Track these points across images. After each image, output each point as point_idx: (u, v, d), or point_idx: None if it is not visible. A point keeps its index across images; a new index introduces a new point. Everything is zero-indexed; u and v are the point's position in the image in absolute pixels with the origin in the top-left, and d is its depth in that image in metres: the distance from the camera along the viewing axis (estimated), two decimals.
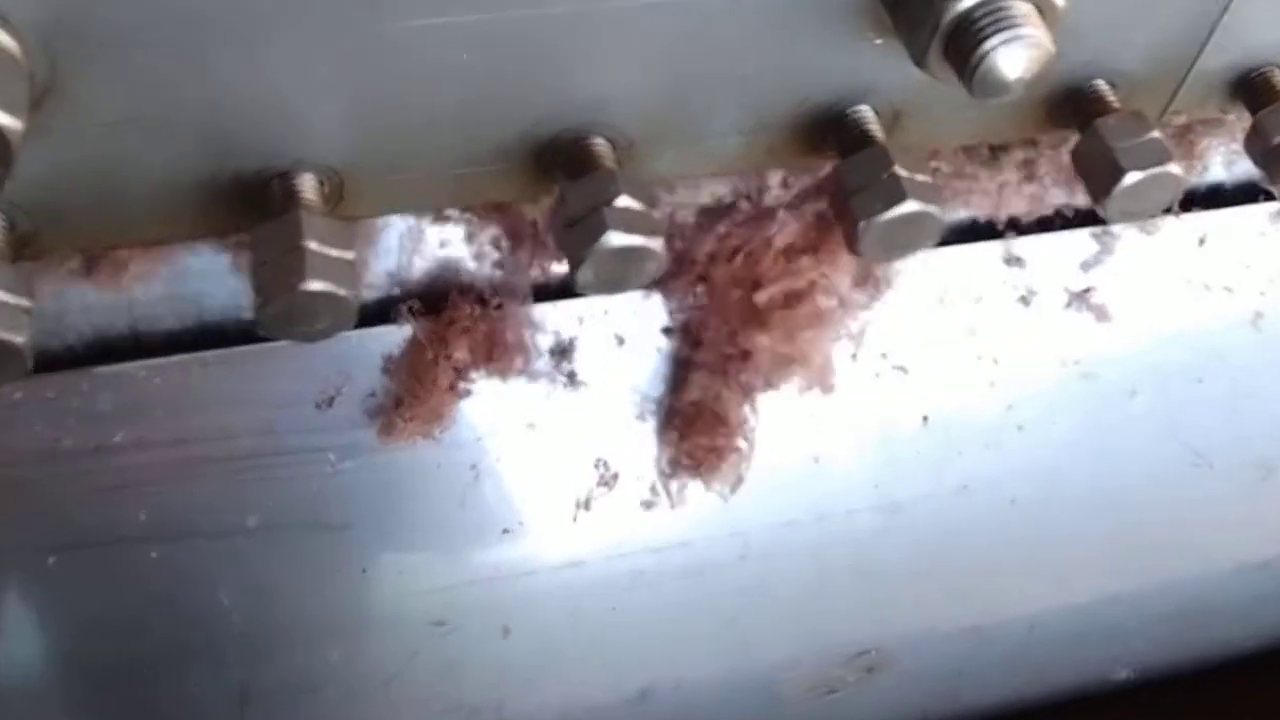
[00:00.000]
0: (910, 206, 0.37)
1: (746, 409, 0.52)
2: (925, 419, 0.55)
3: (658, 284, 0.49)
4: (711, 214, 0.47)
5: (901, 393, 0.54)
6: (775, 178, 0.47)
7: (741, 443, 0.53)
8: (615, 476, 0.53)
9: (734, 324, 0.50)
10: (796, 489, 0.55)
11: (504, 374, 0.48)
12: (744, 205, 0.47)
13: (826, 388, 0.52)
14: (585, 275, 0.36)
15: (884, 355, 0.53)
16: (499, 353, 0.48)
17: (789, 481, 0.54)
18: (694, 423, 0.52)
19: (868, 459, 0.55)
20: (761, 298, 0.49)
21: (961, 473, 0.56)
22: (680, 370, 0.51)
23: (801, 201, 0.47)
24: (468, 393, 0.48)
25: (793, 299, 0.49)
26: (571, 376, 0.50)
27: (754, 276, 0.49)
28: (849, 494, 0.56)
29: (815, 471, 0.54)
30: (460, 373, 0.48)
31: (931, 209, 0.38)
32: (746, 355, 0.50)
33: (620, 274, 0.36)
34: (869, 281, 0.52)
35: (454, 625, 0.52)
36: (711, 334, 0.50)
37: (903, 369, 0.54)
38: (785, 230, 0.47)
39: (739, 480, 0.53)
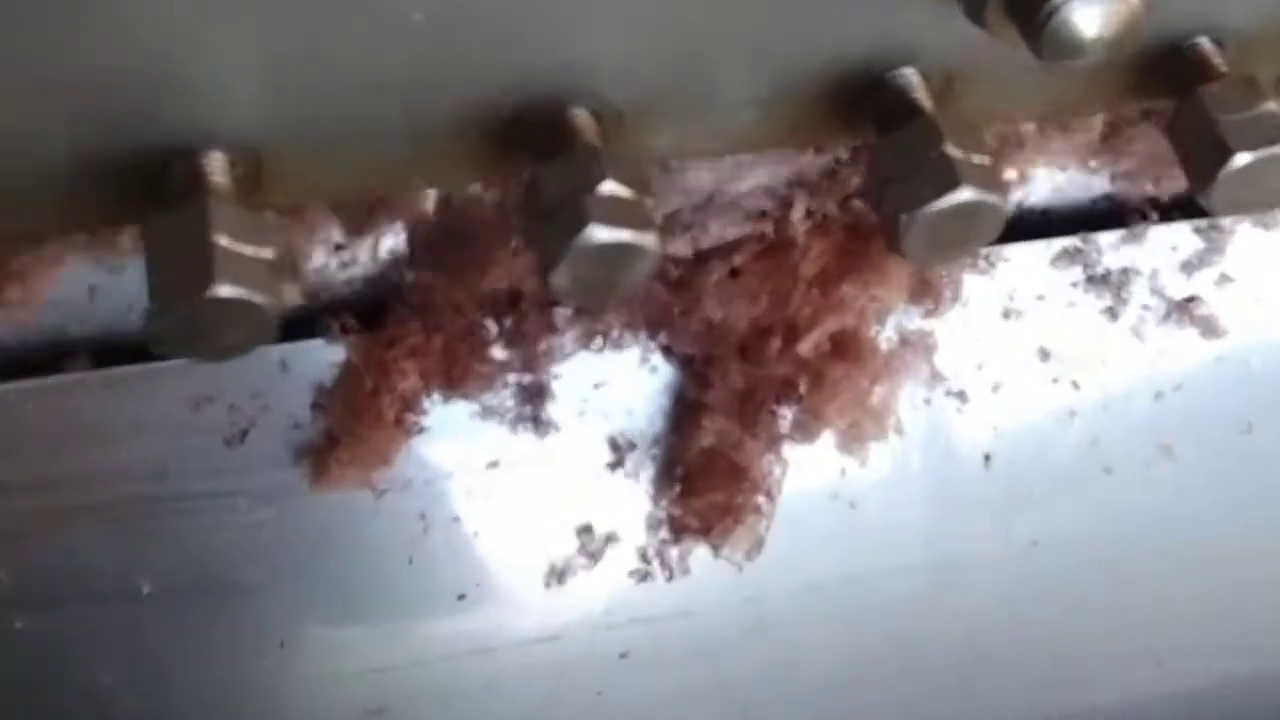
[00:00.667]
0: (965, 194, 0.38)
1: (771, 459, 0.53)
2: (987, 458, 0.56)
3: (654, 322, 0.50)
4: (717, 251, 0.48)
5: (958, 425, 0.55)
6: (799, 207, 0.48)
7: (763, 500, 0.53)
8: (600, 537, 0.53)
9: (766, 383, 0.51)
10: (825, 544, 0.55)
11: (466, 400, 0.49)
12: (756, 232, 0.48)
13: (881, 437, 0.53)
14: (560, 279, 0.36)
15: (937, 379, 0.54)
16: (457, 378, 0.48)
17: (815, 534, 0.55)
18: (704, 475, 0.53)
19: (915, 507, 0.56)
20: (805, 349, 0.50)
21: (1031, 525, 0.57)
22: (686, 411, 0.52)
23: (824, 215, 0.48)
24: (418, 428, 0.49)
25: (843, 343, 0.50)
26: (547, 409, 0.51)
27: (785, 320, 0.50)
28: (890, 550, 0.56)
29: (849, 522, 0.55)
30: (409, 404, 0.48)
31: (992, 198, 0.38)
32: (779, 406, 0.51)
33: (604, 277, 0.36)
34: (928, 293, 0.53)
35: (397, 714, 0.53)
36: (731, 378, 0.51)
37: (960, 396, 0.55)
38: (811, 255, 0.48)
39: (758, 545, 0.54)
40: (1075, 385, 0.56)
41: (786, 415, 0.52)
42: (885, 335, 0.52)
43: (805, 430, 0.53)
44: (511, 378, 0.50)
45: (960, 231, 0.39)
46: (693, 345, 0.51)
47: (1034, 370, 0.55)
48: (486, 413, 0.50)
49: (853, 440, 0.53)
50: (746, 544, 0.54)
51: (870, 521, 0.55)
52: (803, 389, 0.52)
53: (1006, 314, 0.54)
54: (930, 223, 0.38)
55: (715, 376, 0.51)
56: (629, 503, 0.53)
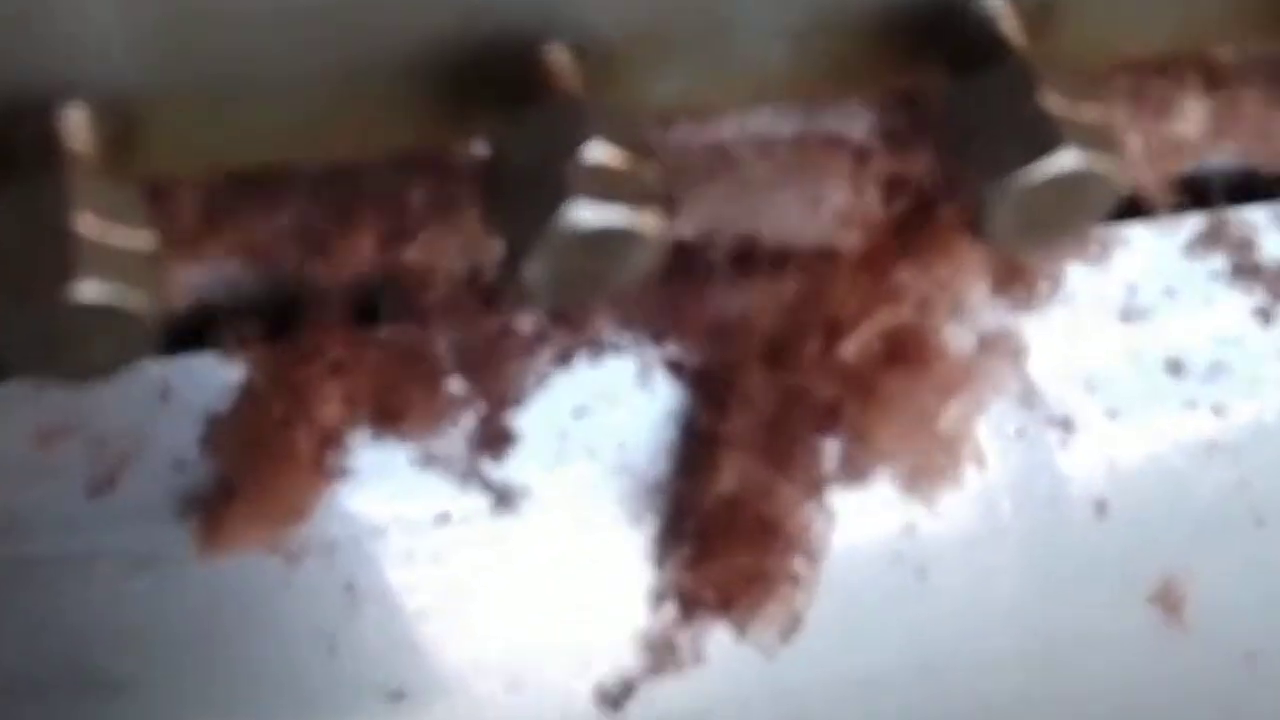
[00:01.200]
0: (1069, 159, 0.38)
1: (811, 509, 0.53)
2: (1101, 506, 0.56)
3: (653, 324, 0.51)
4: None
5: (1062, 462, 0.55)
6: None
7: (801, 564, 0.53)
8: (584, 616, 0.53)
9: (802, 405, 0.51)
10: (884, 622, 0.55)
11: (404, 440, 0.49)
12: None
13: (954, 474, 0.53)
14: (533, 272, 0.36)
15: (1032, 400, 0.55)
16: (397, 407, 0.49)
17: (872, 610, 0.55)
18: (723, 532, 0.53)
19: (1007, 572, 0.56)
20: (849, 349, 0.50)
21: (1161, 596, 0.57)
22: (699, 445, 0.53)
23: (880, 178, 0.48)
24: (343, 471, 0.49)
25: (901, 344, 0.50)
26: (514, 444, 0.51)
27: (824, 316, 0.50)
28: (972, 631, 0.56)
29: (917, 593, 0.55)
30: (330, 438, 0.49)
31: (1103, 163, 0.38)
32: (821, 436, 0.52)
33: (590, 272, 0.37)
34: (1017, 282, 0.53)
35: None
36: (756, 399, 0.52)
37: (1064, 424, 0.55)
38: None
39: (795, 624, 0.54)
40: (1217, 411, 0.56)
41: (831, 451, 0.53)
42: (959, 337, 0.53)
43: (855, 467, 0.53)
44: (467, 413, 0.50)
45: (1063, 208, 0.39)
46: (705, 353, 0.52)
47: (1162, 390, 0.55)
48: (429, 460, 0.50)
49: (917, 478, 0.53)
50: (780, 623, 0.54)
51: (945, 593, 0.55)
52: (850, 409, 0.52)
53: (1125, 315, 0.55)
54: (1021, 197, 0.38)
55: (735, 398, 0.52)
56: (623, 569, 0.53)
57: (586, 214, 0.36)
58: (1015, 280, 0.53)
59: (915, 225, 0.49)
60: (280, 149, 0.41)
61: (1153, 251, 0.54)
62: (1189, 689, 0.59)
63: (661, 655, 0.55)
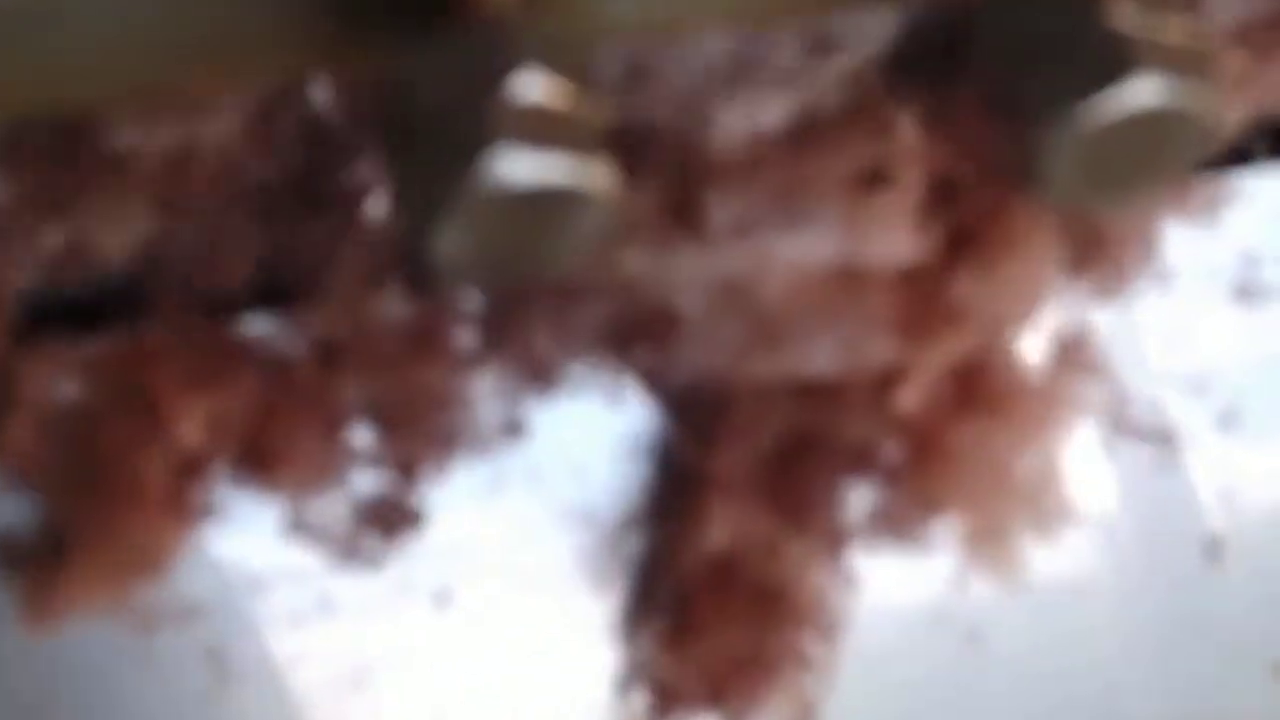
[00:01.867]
0: (1146, 89, 0.40)
1: (827, 571, 0.55)
2: (1214, 547, 0.59)
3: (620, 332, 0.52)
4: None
5: (1162, 489, 0.58)
6: None
7: (813, 641, 0.55)
8: (528, 703, 0.56)
9: (820, 440, 0.54)
10: (927, 704, 0.58)
11: (273, 492, 0.51)
12: None
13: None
14: (449, 242, 0.38)
15: (1125, 406, 0.57)
16: (272, 448, 0.51)
17: (909, 688, 0.57)
18: (714, 600, 0.55)
19: (1089, 636, 0.58)
20: (909, 400, 0.52)
21: None
22: (681, 487, 0.54)
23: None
24: (209, 512, 0.51)
25: (969, 381, 0.53)
26: (417, 528, 0.53)
27: (852, 327, 0.51)
28: (1041, 710, 0.59)
29: (970, 665, 0.57)
30: (191, 469, 0.50)
31: (1192, 95, 0.41)
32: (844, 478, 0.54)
33: (520, 244, 0.39)
34: (1100, 261, 0.55)
35: None
36: (754, 424, 0.54)
37: (1166, 438, 0.58)
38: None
39: (806, 717, 0.56)
40: None
41: (857, 497, 0.55)
42: (1030, 345, 0.55)
43: (894, 522, 0.55)
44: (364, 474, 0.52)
45: (1140, 154, 0.42)
46: (686, 371, 0.53)
47: None
48: (298, 527, 0.52)
49: (985, 546, 0.55)
50: (787, 717, 0.56)
51: (1004, 663, 0.57)
52: (897, 454, 0.54)
53: (1242, 294, 0.57)
54: (1088, 141, 0.41)
55: (727, 424, 0.54)
56: (577, 649, 0.56)
57: (514, 166, 0.37)
58: (1097, 257, 0.55)
59: (970, 225, 0.51)
60: (114, 93, 0.43)
61: (1275, 210, 0.56)
62: None
63: None
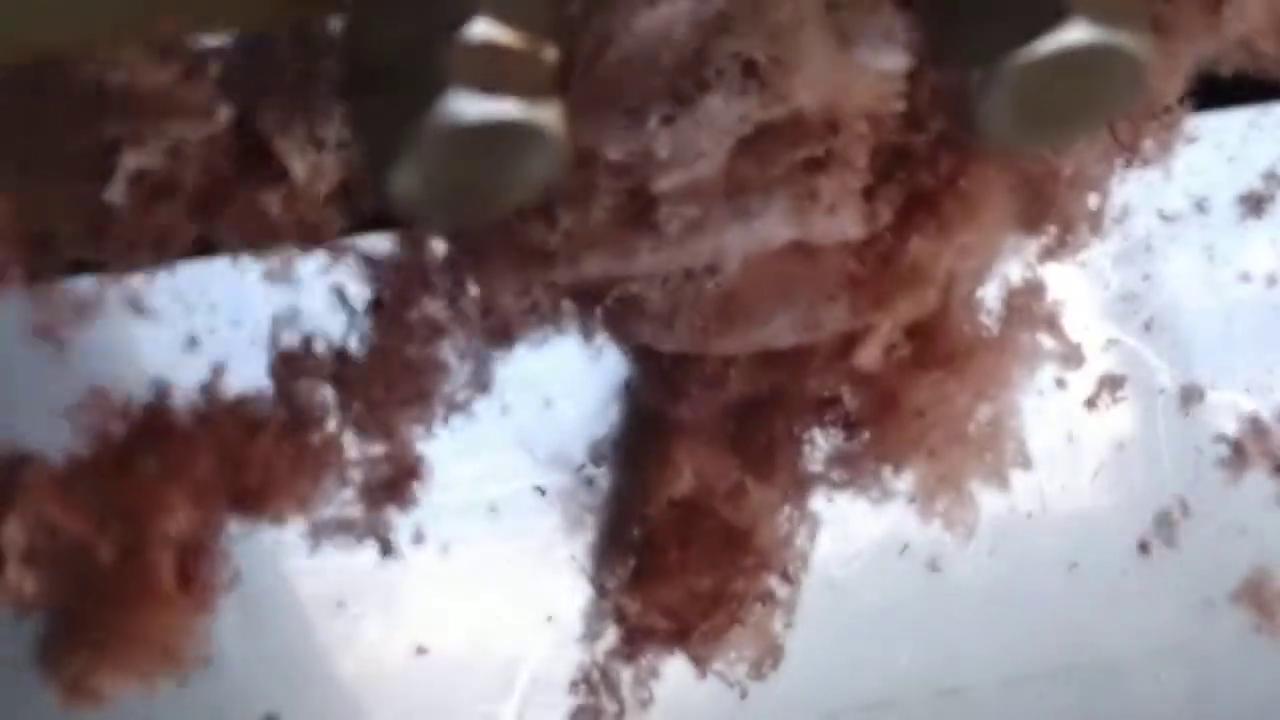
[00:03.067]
0: (1079, 33, 0.41)
1: (791, 515, 0.56)
2: (1178, 499, 0.60)
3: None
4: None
5: (1089, 427, 0.58)
6: None
7: (776, 582, 0.56)
8: (501, 651, 0.57)
9: (785, 394, 0.54)
10: (890, 637, 0.58)
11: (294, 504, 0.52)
12: None
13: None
14: (404, 181, 0.39)
15: (1071, 363, 0.57)
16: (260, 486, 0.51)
17: (874, 622, 0.57)
18: (680, 542, 0.55)
19: (1047, 566, 0.59)
20: (869, 357, 0.53)
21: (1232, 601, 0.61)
22: (648, 432, 0.55)
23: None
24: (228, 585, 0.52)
25: (927, 341, 0.53)
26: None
27: (811, 280, 0.52)
28: (1006, 639, 0.59)
29: (931, 594, 0.57)
30: (197, 550, 0.51)
31: (1121, 36, 0.41)
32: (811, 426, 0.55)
33: (476, 180, 0.40)
34: (1053, 214, 0.56)
35: None
36: (723, 374, 0.54)
37: (1115, 384, 0.58)
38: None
39: (773, 655, 0.57)
40: None
41: (821, 441, 0.56)
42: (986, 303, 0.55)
43: (853, 468, 0.56)
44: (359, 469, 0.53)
45: (1072, 96, 0.42)
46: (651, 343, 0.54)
47: (1242, 340, 0.58)
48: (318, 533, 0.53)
49: (941, 494, 0.56)
50: (753, 654, 0.56)
51: (966, 593, 0.58)
52: (853, 409, 0.55)
53: (1210, 254, 0.57)
54: (1020, 79, 0.41)
55: (693, 373, 0.54)
56: (550, 588, 0.56)
57: (468, 105, 0.38)
58: (1048, 215, 0.55)
59: (924, 190, 0.52)
60: (68, 33, 0.44)
61: (1222, 150, 0.56)
62: None
63: (599, 698, 0.57)
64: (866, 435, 0.56)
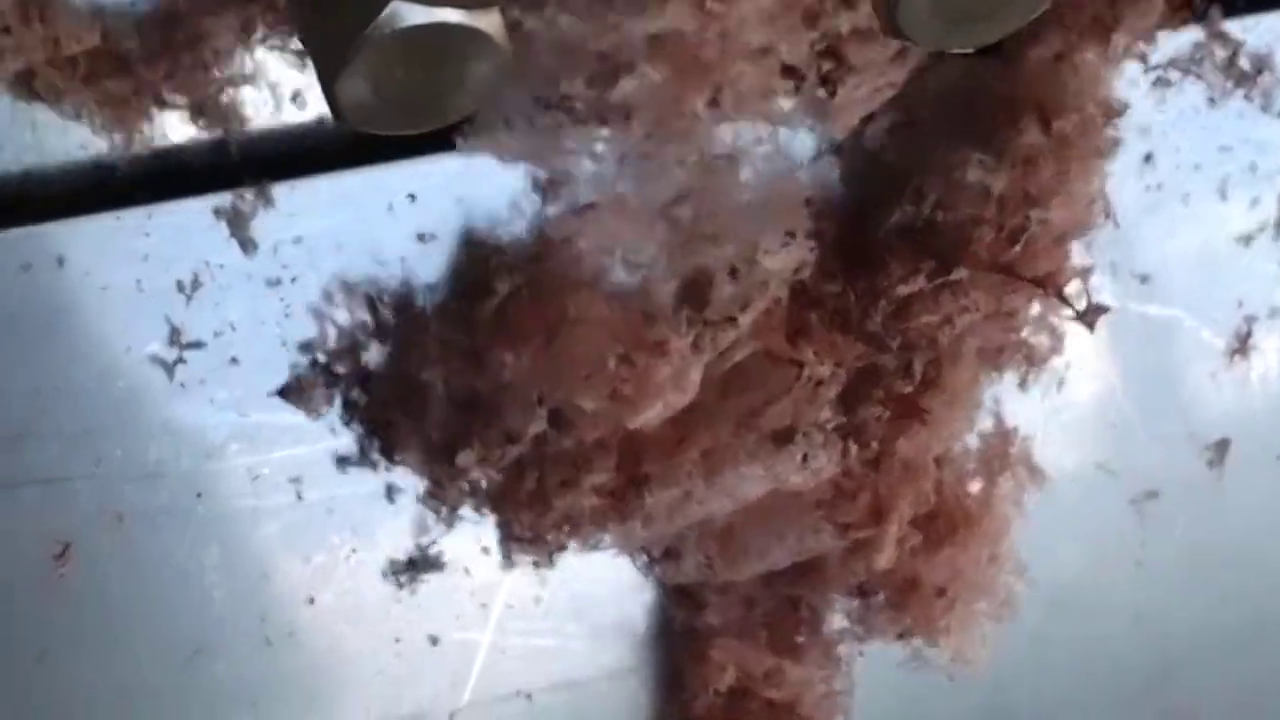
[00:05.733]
0: None
1: (828, 674, 0.60)
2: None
3: None
4: None
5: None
6: None
7: None
8: None
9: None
10: None
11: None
12: None
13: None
14: (350, 90, 0.41)
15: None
16: None
17: None
18: None
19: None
20: (883, 562, 0.57)
21: None
22: (684, 639, 0.59)
23: None
24: None
25: (939, 524, 0.58)
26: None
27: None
28: None
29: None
30: None
31: None
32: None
33: (422, 87, 0.41)
34: (1016, 349, 0.59)
35: None
36: (735, 593, 0.58)
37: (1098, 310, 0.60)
38: None
39: None
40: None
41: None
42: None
43: (876, 634, 0.60)
44: None
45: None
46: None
47: None
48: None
49: (948, 641, 0.60)
50: None
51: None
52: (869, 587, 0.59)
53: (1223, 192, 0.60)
54: None
55: (713, 592, 0.59)
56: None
57: (412, 12, 0.40)
58: (1010, 353, 0.58)
59: (903, 397, 0.55)
60: None
61: None
62: None
63: None
64: (883, 609, 0.60)
